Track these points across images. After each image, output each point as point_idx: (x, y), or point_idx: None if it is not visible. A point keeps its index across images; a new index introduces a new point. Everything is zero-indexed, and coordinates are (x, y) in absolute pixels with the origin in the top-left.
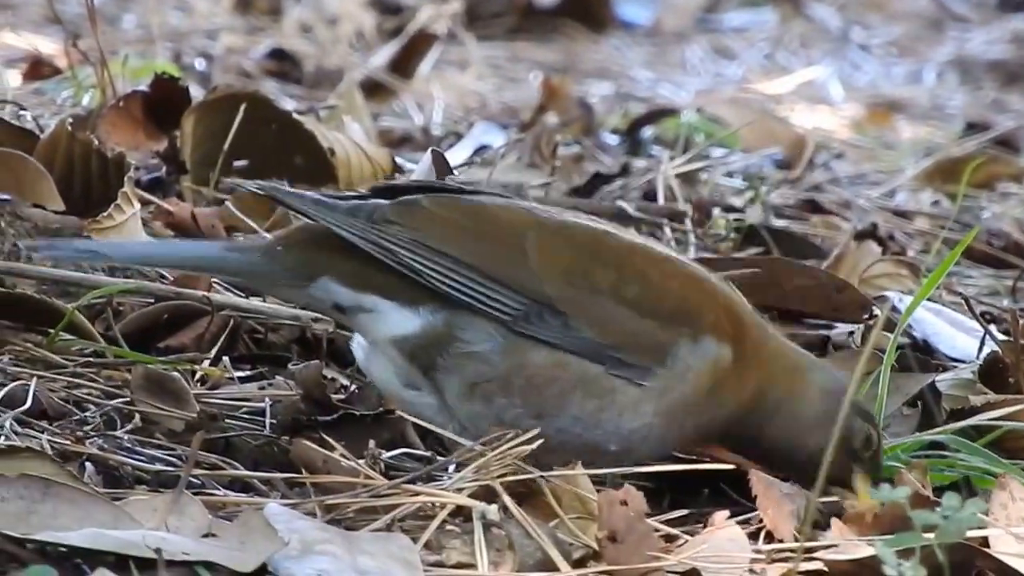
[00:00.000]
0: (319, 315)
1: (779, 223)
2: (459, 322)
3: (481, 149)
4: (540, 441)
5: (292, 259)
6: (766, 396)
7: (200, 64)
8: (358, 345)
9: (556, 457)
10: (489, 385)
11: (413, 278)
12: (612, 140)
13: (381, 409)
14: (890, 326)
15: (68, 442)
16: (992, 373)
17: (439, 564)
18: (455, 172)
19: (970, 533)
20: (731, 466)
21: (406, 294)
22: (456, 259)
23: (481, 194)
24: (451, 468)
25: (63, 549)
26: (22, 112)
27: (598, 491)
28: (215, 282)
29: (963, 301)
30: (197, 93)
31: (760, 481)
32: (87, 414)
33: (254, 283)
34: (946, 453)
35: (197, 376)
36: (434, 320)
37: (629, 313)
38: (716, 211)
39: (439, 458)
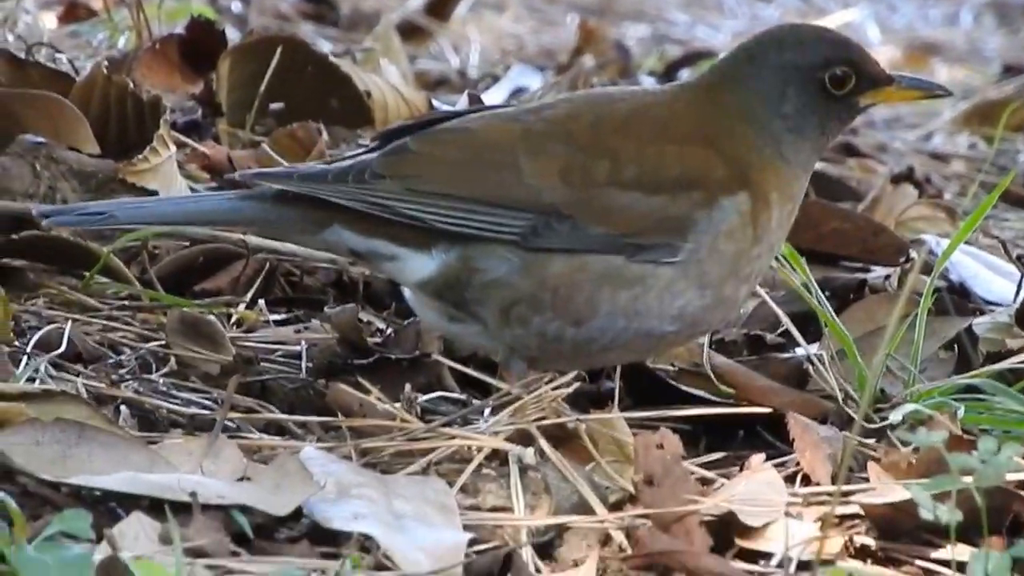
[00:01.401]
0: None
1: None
2: (473, 254)
3: (518, 91)
4: (576, 385)
5: (301, 208)
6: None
7: (236, 6)
8: (406, 292)
9: (616, 355)
10: (520, 307)
11: (418, 225)
12: (649, 82)
13: (417, 353)
14: (927, 269)
15: (103, 385)
16: None
17: (475, 507)
18: None
19: (1008, 476)
20: (768, 409)
21: (415, 238)
22: (451, 196)
23: (468, 114)
24: (487, 412)
25: (98, 493)
26: (58, 55)
27: (635, 434)
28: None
29: (1000, 244)
30: (233, 36)
31: (797, 424)
32: (122, 357)
33: (269, 232)
34: (982, 396)
35: (233, 319)
36: (448, 258)
37: (635, 196)
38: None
39: (475, 401)
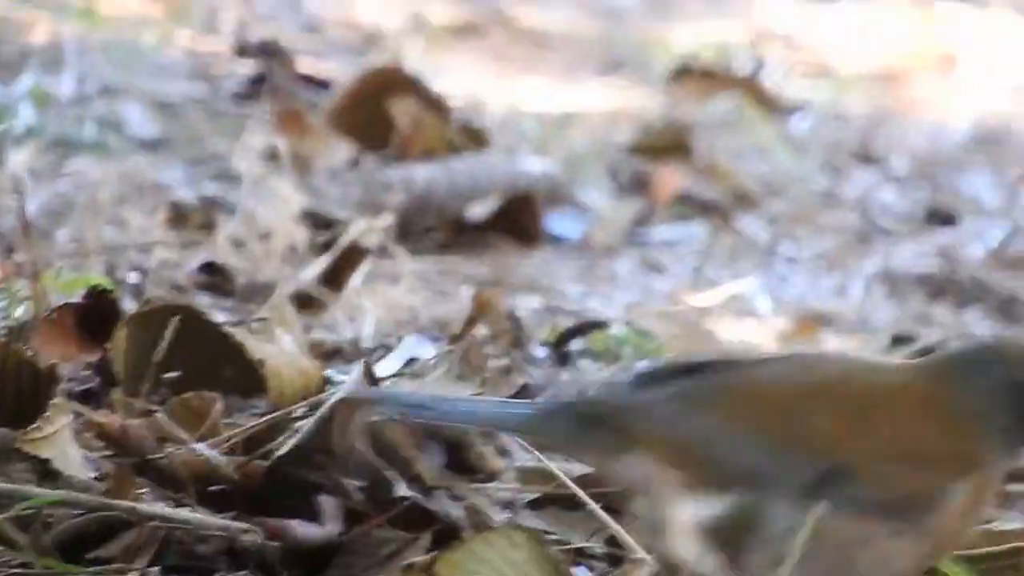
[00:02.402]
0: (249, 526)
1: None
2: (762, 502)
3: (411, 361)
4: None
5: (607, 431)
6: None
7: (133, 277)
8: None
9: None
10: (791, 558)
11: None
12: (541, 353)
13: None
14: None
15: None
16: None
17: None
18: (385, 384)
19: None
20: None
21: (708, 479)
22: (751, 442)
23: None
24: None
25: None
26: None
27: None
28: (142, 492)
29: None
30: (130, 306)
31: None
32: None
33: (569, 449)
34: None
35: None
36: (735, 502)
37: (900, 467)
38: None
39: None
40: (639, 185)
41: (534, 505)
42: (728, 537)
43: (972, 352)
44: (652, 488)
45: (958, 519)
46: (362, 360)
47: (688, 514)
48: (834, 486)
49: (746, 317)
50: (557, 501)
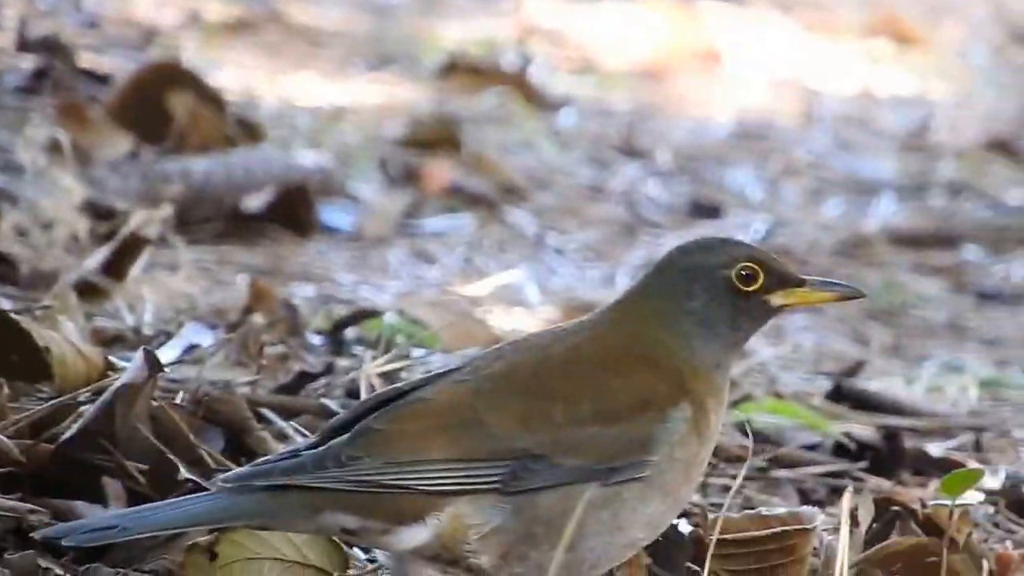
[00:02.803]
0: (35, 507)
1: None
2: (464, 511)
3: (191, 348)
4: None
5: (293, 497)
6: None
7: None
8: (383, 555)
9: (600, 569)
10: (517, 547)
11: (408, 495)
12: (316, 340)
13: None
14: None
15: None
16: None
17: None
18: (166, 370)
19: None
20: None
21: (405, 508)
22: (428, 460)
23: (415, 389)
24: None
25: None
26: None
27: None
28: None
29: None
30: None
31: None
32: None
33: (268, 524)
34: None
35: None
36: (441, 522)
37: (596, 429)
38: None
39: None
40: (409, 177)
41: None
42: (449, 552)
43: (656, 263)
44: (355, 531)
45: (689, 448)
46: (143, 347)
47: (398, 544)
48: (526, 473)
49: (515, 306)
50: None
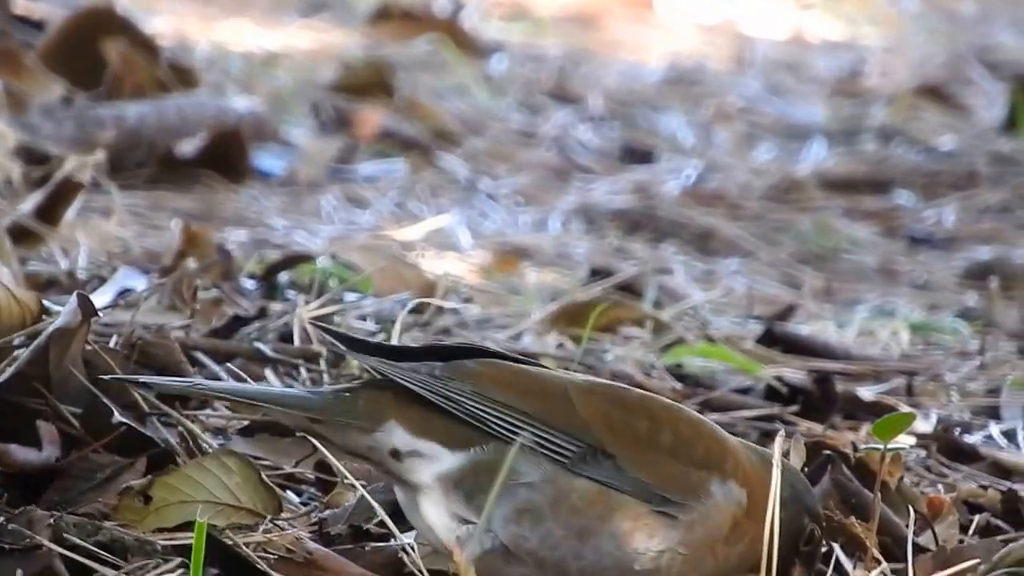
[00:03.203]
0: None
1: None
2: (515, 460)
3: (124, 292)
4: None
5: (364, 404)
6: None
7: None
8: (399, 493)
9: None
10: (537, 511)
11: (475, 426)
12: (250, 284)
13: (28, 541)
14: None
15: None
16: None
17: None
18: (100, 314)
19: None
20: None
21: (462, 440)
22: (518, 409)
23: (508, 358)
24: None
25: None
26: None
27: None
28: None
29: None
30: None
31: None
32: None
33: (325, 424)
34: None
35: None
36: (487, 455)
37: (666, 458)
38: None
39: None
40: (342, 123)
41: (246, 432)
42: (472, 488)
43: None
44: (402, 453)
45: (723, 522)
46: (77, 291)
47: (431, 470)
48: (593, 462)
49: (448, 251)
50: (268, 428)
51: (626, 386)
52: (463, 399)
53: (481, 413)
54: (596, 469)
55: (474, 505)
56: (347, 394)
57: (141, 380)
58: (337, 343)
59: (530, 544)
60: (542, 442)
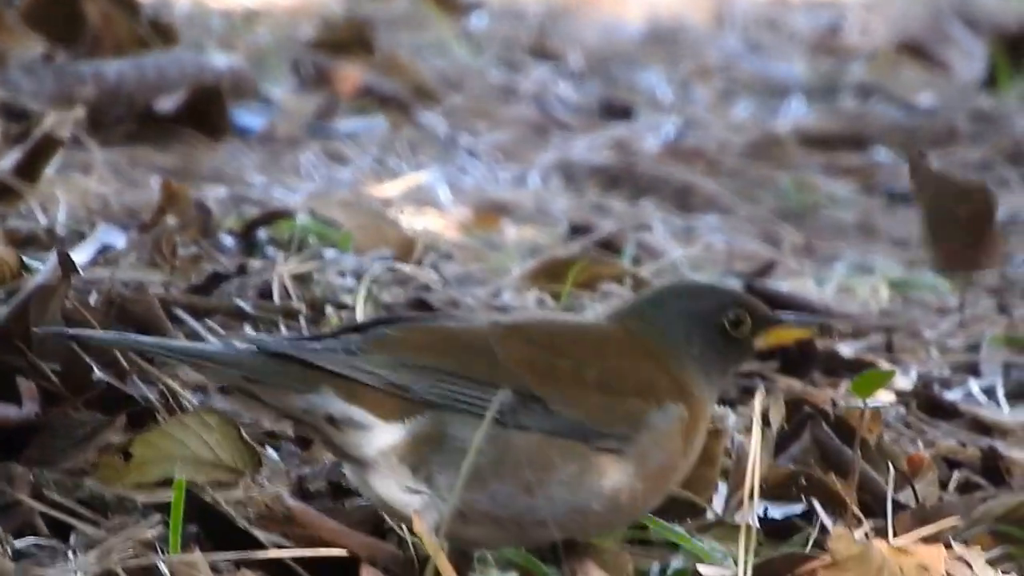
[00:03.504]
0: None
1: None
2: (449, 421)
3: (104, 249)
4: (161, 527)
5: (298, 371)
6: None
7: None
8: (349, 470)
9: (546, 531)
10: (480, 473)
11: (400, 395)
12: (229, 241)
13: (8, 498)
14: None
15: None
16: None
17: None
18: (80, 271)
19: None
20: (341, 552)
21: (395, 408)
22: (440, 370)
23: (430, 319)
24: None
25: None
26: None
27: (217, 575)
28: None
29: None
30: None
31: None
32: None
33: (260, 383)
34: None
35: None
36: (421, 425)
37: (596, 393)
38: (329, 309)
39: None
40: (322, 79)
41: (225, 389)
42: (416, 460)
43: (653, 293)
44: (337, 421)
45: (673, 445)
46: (57, 248)
47: (373, 444)
48: (523, 410)
49: (427, 207)
50: None
51: (554, 319)
52: (385, 372)
53: (404, 382)
54: (528, 416)
55: (421, 477)
56: (287, 360)
57: (70, 333)
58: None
59: (482, 506)
60: (468, 400)
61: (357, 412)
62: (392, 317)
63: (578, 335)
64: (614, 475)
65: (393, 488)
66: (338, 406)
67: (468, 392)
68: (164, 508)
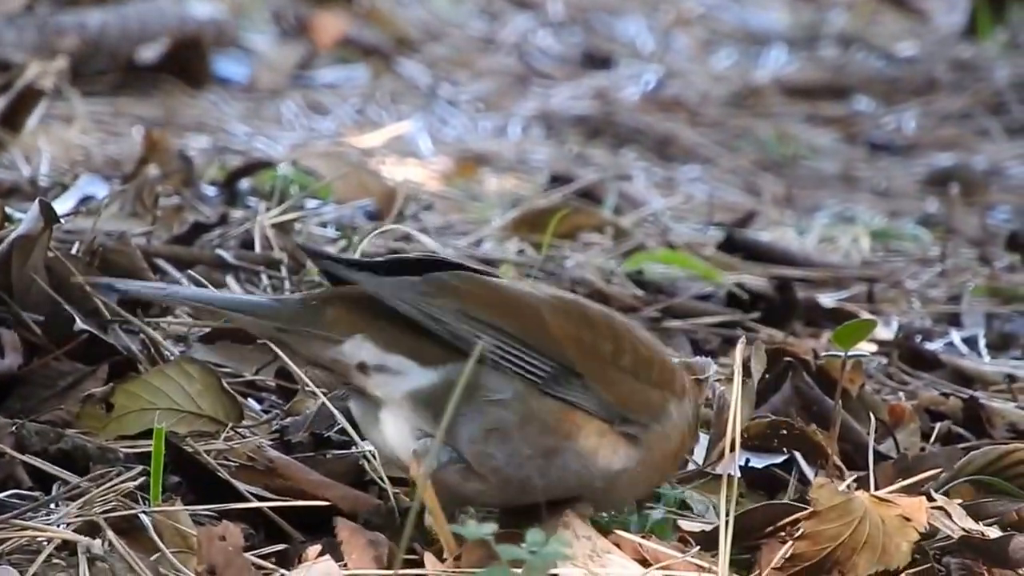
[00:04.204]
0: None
1: None
2: (486, 374)
3: (86, 199)
4: (142, 478)
5: (332, 315)
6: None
7: None
8: (357, 406)
9: (548, 494)
10: (506, 429)
11: (451, 344)
12: (211, 191)
13: None
14: None
15: None
16: None
17: None
18: (62, 221)
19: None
20: (323, 502)
21: (434, 355)
22: (502, 330)
23: (485, 273)
24: (60, 504)
25: None
26: None
27: (198, 526)
28: None
29: None
30: None
31: (345, 528)
32: None
33: (292, 334)
34: None
35: None
36: (453, 372)
37: (629, 378)
38: (310, 260)
39: (46, 496)
40: (303, 29)
41: (207, 339)
42: (441, 409)
43: None
44: (369, 367)
45: (679, 440)
46: (39, 198)
47: (400, 387)
48: (565, 382)
49: (408, 157)
50: (229, 335)
51: (588, 302)
52: (447, 320)
53: (464, 335)
54: (566, 389)
55: (440, 422)
56: (315, 303)
57: (114, 284)
58: (321, 259)
59: (495, 462)
60: (519, 362)
61: (393, 359)
62: (441, 259)
63: (623, 325)
64: (623, 459)
65: (404, 429)
66: (373, 353)
67: (525, 356)
68: (146, 459)
